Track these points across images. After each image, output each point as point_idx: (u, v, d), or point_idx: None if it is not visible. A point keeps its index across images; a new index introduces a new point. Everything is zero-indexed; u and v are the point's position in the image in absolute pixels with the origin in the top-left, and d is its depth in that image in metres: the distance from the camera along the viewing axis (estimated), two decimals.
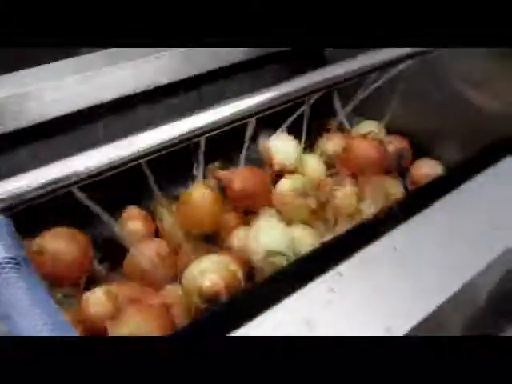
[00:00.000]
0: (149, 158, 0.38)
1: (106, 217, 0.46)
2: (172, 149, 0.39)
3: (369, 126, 0.73)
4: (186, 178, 0.59)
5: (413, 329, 0.31)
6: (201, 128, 0.40)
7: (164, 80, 0.61)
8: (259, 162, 0.66)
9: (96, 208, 0.43)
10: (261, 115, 0.45)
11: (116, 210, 0.61)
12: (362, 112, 0.74)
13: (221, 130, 0.42)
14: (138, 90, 0.59)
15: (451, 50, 0.61)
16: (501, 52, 0.58)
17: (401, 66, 0.57)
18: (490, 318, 0.70)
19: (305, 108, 0.52)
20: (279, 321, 0.30)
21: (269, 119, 0.49)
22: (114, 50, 0.62)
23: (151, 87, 0.61)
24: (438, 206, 0.40)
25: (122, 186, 0.53)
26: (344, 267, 0.34)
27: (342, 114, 0.69)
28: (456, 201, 0.41)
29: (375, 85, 0.63)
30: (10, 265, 0.26)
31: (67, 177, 0.35)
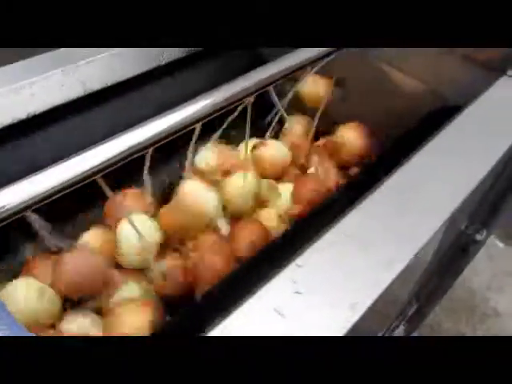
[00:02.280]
0: (99, 175, 0.37)
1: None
2: (122, 163, 0.39)
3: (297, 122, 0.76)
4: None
5: (376, 301, 0.33)
6: (149, 140, 0.40)
7: (95, 86, 0.59)
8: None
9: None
10: (205, 120, 0.45)
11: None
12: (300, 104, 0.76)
13: (167, 139, 0.42)
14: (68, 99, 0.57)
15: None
16: None
17: (330, 57, 0.60)
18: (438, 275, 0.77)
19: (247, 107, 0.52)
20: (251, 314, 0.31)
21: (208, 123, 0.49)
22: (36, 57, 0.58)
23: (81, 95, 0.58)
24: (382, 186, 0.43)
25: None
26: (301, 259, 0.36)
27: (280, 108, 0.71)
28: (399, 177, 0.44)
29: (308, 75, 0.65)
30: None
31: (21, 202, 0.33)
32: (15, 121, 0.54)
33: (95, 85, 0.58)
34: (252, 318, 0.31)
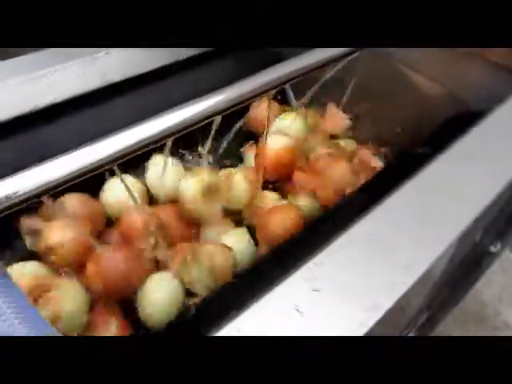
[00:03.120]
0: (117, 162, 0.37)
1: None
2: (143, 150, 0.38)
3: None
4: None
5: (394, 304, 0.32)
6: (169, 129, 0.39)
7: (116, 77, 0.59)
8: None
9: None
10: (221, 115, 0.45)
11: None
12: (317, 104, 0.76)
13: (182, 132, 0.42)
14: (87, 89, 0.57)
15: None
16: None
17: (350, 58, 0.59)
18: (451, 285, 0.76)
19: (267, 103, 0.52)
20: (270, 311, 0.31)
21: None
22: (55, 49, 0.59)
23: (100, 86, 0.58)
24: (402, 190, 0.42)
25: None
26: (322, 256, 0.35)
27: (297, 107, 0.70)
28: (419, 181, 0.44)
29: (327, 76, 0.65)
30: None
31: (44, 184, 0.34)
32: (34, 109, 0.55)
33: (114, 76, 0.58)
34: (270, 314, 0.31)
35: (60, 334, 0.27)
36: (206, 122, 0.43)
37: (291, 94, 0.74)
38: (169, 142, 0.40)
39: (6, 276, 0.26)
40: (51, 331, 0.25)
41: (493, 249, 0.86)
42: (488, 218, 0.62)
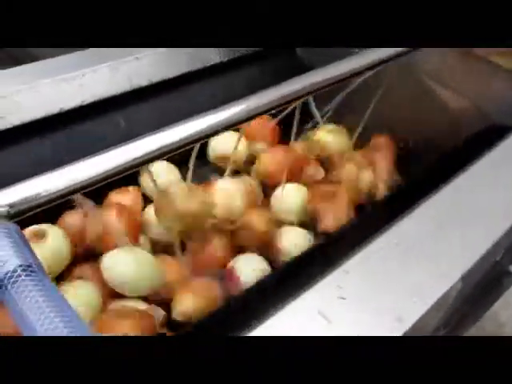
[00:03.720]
0: (150, 162, 0.38)
1: None
2: (170, 155, 0.39)
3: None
4: None
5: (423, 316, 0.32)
6: (198, 133, 0.40)
7: (143, 82, 0.60)
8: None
9: None
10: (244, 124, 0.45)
11: None
12: (339, 116, 0.75)
13: (207, 139, 0.42)
14: (115, 92, 0.58)
15: (422, 52, 0.63)
16: (463, 51, 0.62)
17: (375, 70, 0.59)
18: (469, 304, 0.75)
19: (296, 111, 0.52)
20: (295, 317, 0.31)
21: None
22: (87, 51, 0.60)
23: (129, 89, 0.60)
24: (431, 200, 0.42)
25: None
26: (348, 265, 0.35)
27: (319, 119, 0.70)
28: (444, 196, 0.43)
29: (350, 88, 0.65)
30: (25, 272, 0.25)
31: (73, 184, 0.34)
32: (62, 110, 0.56)
33: (142, 81, 0.60)
34: (295, 320, 0.30)
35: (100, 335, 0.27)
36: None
37: (313, 106, 0.74)
38: (195, 147, 0.40)
39: (45, 276, 0.26)
40: (90, 332, 0.25)
41: None
42: (509, 239, 0.61)
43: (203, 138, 0.43)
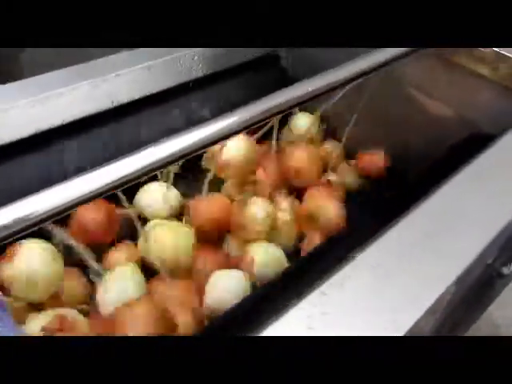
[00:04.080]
0: (122, 188, 0.37)
1: None
2: (144, 177, 0.38)
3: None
4: None
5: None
6: (171, 156, 0.39)
7: (124, 99, 0.59)
8: None
9: None
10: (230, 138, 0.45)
11: None
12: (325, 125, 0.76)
13: (191, 155, 0.41)
14: (97, 110, 0.57)
15: (405, 63, 0.63)
16: (446, 61, 0.62)
17: (360, 81, 0.59)
18: (462, 309, 0.74)
19: (274, 122, 0.52)
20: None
21: None
22: (66, 69, 0.59)
23: (111, 106, 0.59)
24: (410, 215, 0.41)
25: None
26: (326, 286, 0.34)
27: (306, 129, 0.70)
28: (432, 204, 0.43)
29: (335, 99, 0.64)
30: None
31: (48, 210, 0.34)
32: (41, 130, 0.55)
33: (123, 98, 0.59)
34: None
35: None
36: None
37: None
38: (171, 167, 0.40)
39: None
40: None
41: (505, 271, 0.84)
42: (499, 243, 0.61)
43: (187, 155, 0.43)
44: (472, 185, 0.45)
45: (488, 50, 0.59)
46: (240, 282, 0.54)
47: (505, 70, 0.58)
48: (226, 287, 0.53)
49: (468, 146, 0.52)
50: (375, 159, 0.72)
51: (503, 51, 0.58)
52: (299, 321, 0.31)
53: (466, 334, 0.96)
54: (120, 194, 0.39)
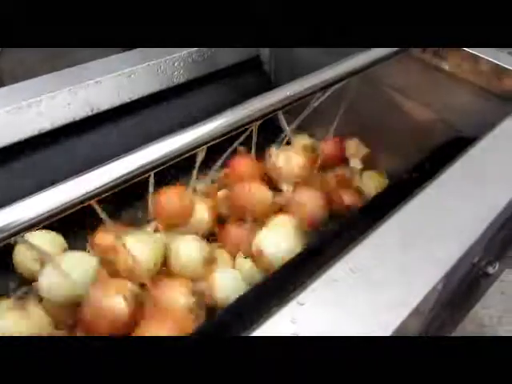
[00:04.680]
0: (99, 197, 0.36)
1: None
2: (121, 187, 0.37)
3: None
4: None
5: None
6: (151, 163, 0.39)
7: (104, 106, 0.58)
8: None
9: None
10: (209, 144, 0.44)
11: None
12: (307, 128, 0.75)
13: (171, 162, 0.41)
14: (75, 119, 0.56)
15: (386, 66, 0.63)
16: (427, 65, 0.62)
17: (341, 84, 0.59)
18: (448, 309, 0.75)
19: (253, 129, 0.51)
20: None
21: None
22: (48, 76, 0.58)
23: (90, 114, 0.58)
24: (392, 219, 0.41)
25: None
26: (302, 296, 0.34)
27: (288, 132, 0.70)
28: (414, 206, 0.43)
29: (318, 102, 0.65)
30: None
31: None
32: (21, 139, 0.54)
33: (103, 105, 0.58)
34: None
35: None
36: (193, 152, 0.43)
37: (284, 121, 0.74)
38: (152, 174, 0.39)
39: None
40: None
41: (491, 270, 0.85)
42: (483, 243, 0.61)
43: (168, 162, 0.42)
44: (455, 186, 0.45)
45: (466, 52, 0.60)
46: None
47: (482, 71, 0.59)
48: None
49: (449, 149, 0.52)
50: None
51: (481, 54, 0.59)
52: (283, 321, 0.31)
53: (453, 334, 0.96)
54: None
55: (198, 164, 0.46)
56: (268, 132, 0.74)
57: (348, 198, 0.67)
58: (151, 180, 0.41)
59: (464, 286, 0.79)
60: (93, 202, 0.37)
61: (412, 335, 0.66)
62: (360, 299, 0.33)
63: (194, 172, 0.49)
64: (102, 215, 0.39)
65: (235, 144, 0.63)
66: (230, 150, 0.64)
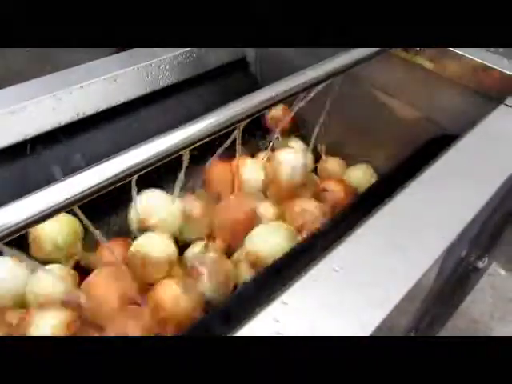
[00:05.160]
0: (82, 202, 0.36)
1: None
2: (104, 191, 0.37)
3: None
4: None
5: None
6: (133, 166, 0.39)
7: (89, 111, 0.58)
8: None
9: None
10: (194, 146, 0.44)
11: None
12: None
13: (156, 165, 0.41)
14: (61, 123, 0.56)
15: (370, 66, 0.64)
16: (408, 65, 0.63)
17: (326, 83, 0.60)
18: (439, 304, 0.75)
19: (237, 132, 0.52)
20: None
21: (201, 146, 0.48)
22: (33, 81, 0.58)
23: (75, 119, 0.58)
24: (376, 216, 0.41)
25: None
26: (287, 295, 0.34)
27: (274, 133, 0.70)
28: (398, 202, 0.43)
29: (303, 102, 0.65)
30: None
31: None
32: (5, 145, 0.54)
33: (88, 110, 0.58)
34: None
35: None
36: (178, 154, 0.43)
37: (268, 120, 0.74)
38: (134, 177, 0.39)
39: None
40: None
41: (480, 264, 0.86)
42: (470, 236, 0.62)
43: (152, 164, 0.42)
44: (439, 183, 0.46)
45: (449, 50, 0.60)
46: None
47: (465, 69, 0.60)
48: None
49: (434, 146, 0.53)
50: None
51: (463, 52, 0.59)
52: (267, 320, 0.31)
53: (444, 329, 0.97)
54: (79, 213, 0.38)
55: (184, 165, 0.47)
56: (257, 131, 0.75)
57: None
58: (133, 183, 0.41)
59: (453, 280, 0.79)
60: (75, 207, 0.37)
61: (400, 332, 0.67)
62: (343, 298, 0.33)
63: (181, 173, 0.49)
64: (84, 220, 0.39)
65: (223, 145, 0.64)
66: (218, 151, 0.64)
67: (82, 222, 0.41)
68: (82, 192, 0.36)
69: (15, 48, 0.41)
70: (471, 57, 0.59)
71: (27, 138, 0.54)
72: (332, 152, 0.74)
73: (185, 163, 0.46)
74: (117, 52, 0.65)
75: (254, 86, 0.75)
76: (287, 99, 0.53)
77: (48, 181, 0.37)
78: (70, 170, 0.38)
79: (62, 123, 0.57)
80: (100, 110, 0.59)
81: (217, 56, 0.74)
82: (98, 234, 0.44)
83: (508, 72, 0.57)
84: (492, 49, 0.60)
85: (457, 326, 1.23)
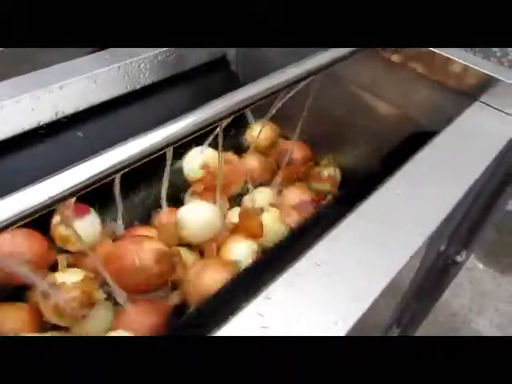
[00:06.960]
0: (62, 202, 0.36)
1: None
2: (87, 189, 0.37)
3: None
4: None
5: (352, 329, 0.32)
6: (115, 165, 0.39)
7: (69, 110, 0.58)
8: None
9: None
10: (177, 144, 0.45)
11: None
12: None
13: (140, 162, 0.41)
14: (40, 123, 0.56)
15: (350, 64, 0.65)
16: (386, 64, 0.64)
17: (306, 81, 0.61)
18: (419, 298, 0.76)
19: (218, 129, 0.52)
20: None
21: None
22: (11, 80, 0.57)
23: (54, 118, 0.57)
24: (355, 212, 0.42)
25: None
26: (269, 290, 0.34)
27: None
28: (376, 199, 0.44)
29: (283, 100, 0.66)
30: None
31: None
32: None
33: (67, 109, 0.57)
34: None
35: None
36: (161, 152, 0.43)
37: (251, 118, 0.75)
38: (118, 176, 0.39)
39: None
40: None
41: (459, 258, 0.87)
42: (448, 231, 0.63)
43: (135, 163, 0.42)
44: (416, 178, 0.47)
45: (425, 49, 0.62)
46: None
47: (440, 67, 0.61)
48: None
49: (411, 143, 0.54)
50: None
51: (439, 51, 0.61)
52: (251, 315, 0.32)
53: (424, 324, 0.99)
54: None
55: (168, 163, 0.47)
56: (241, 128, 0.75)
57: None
58: (117, 182, 0.41)
59: (433, 274, 0.81)
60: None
61: (383, 326, 0.68)
62: (325, 292, 0.34)
63: (166, 170, 0.49)
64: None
65: (205, 143, 0.64)
66: (201, 148, 0.65)
67: None
68: (62, 192, 0.36)
69: None
70: (447, 55, 0.60)
71: (6, 137, 0.54)
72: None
73: (168, 162, 0.46)
74: (94, 52, 0.64)
75: (234, 84, 0.75)
76: (268, 97, 0.54)
77: (26, 182, 0.37)
78: (51, 170, 0.38)
79: (41, 123, 0.56)
80: (80, 109, 0.59)
81: (197, 55, 0.74)
82: None
83: (482, 70, 0.58)
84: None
85: (437, 319, 1.26)
